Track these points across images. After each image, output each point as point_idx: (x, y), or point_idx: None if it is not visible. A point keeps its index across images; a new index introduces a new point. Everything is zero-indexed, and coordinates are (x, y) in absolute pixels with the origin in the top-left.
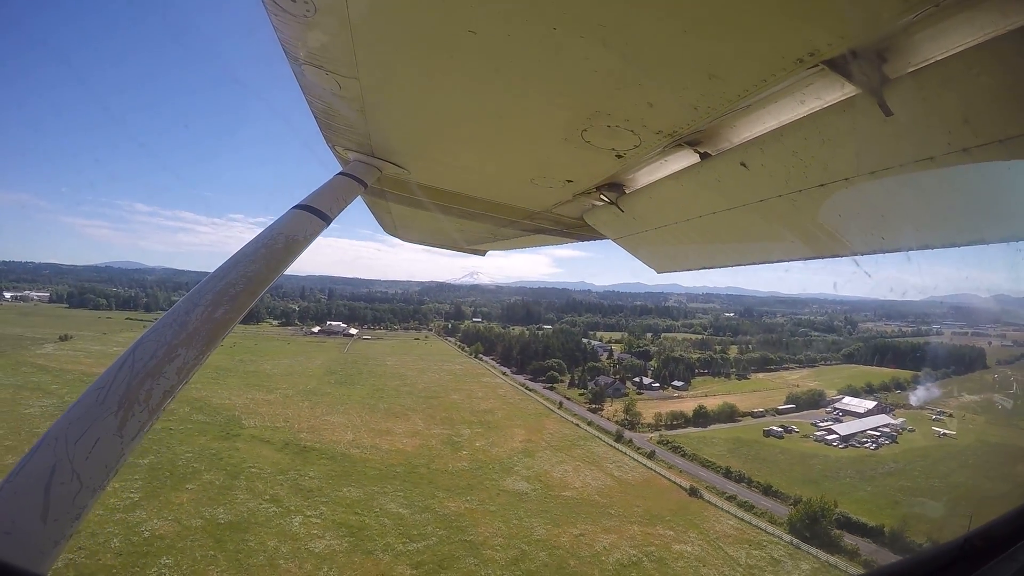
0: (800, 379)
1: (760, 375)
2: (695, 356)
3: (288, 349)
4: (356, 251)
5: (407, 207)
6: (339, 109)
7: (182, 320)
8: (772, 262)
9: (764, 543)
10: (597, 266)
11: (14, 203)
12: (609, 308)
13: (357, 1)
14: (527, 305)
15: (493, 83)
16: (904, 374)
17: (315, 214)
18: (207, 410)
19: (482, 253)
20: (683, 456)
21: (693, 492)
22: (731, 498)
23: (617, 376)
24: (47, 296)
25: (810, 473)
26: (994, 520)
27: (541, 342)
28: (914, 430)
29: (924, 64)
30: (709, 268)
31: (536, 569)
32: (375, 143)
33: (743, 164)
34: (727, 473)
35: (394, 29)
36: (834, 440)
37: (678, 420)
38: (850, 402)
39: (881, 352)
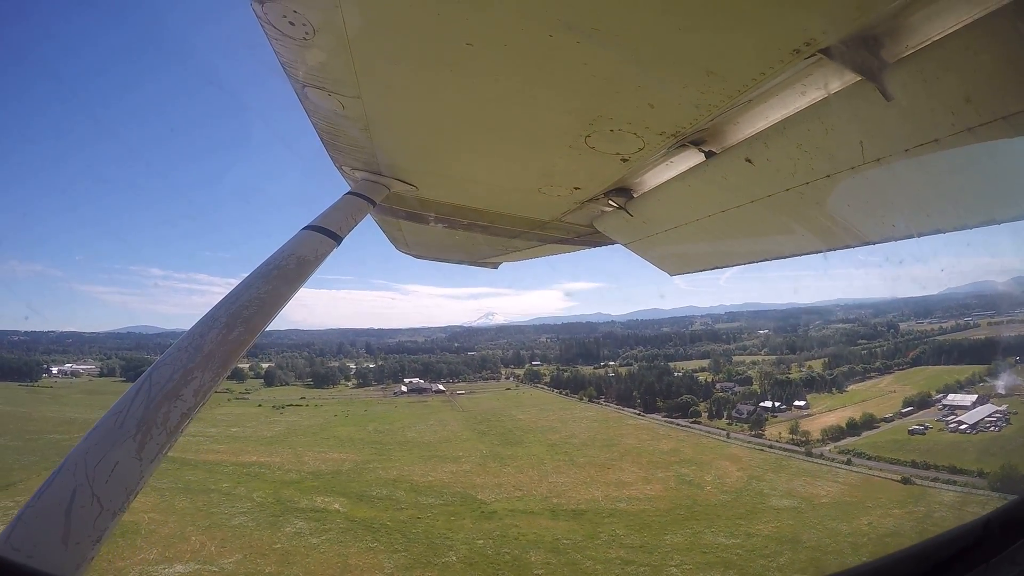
0: (888, 385)
1: (853, 387)
2: (796, 376)
3: (402, 413)
4: (371, 301)
5: (417, 223)
6: (344, 129)
7: (197, 343)
8: (784, 257)
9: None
10: (610, 295)
11: (29, 273)
12: (654, 338)
13: (354, 21)
14: (584, 344)
15: (494, 94)
16: (977, 368)
17: (325, 234)
18: (424, 491)
19: (495, 266)
20: (868, 458)
21: (905, 481)
22: (935, 480)
23: (746, 404)
24: (95, 369)
25: (967, 455)
26: (1016, 500)
27: (643, 379)
28: (1017, 412)
29: (922, 46)
30: (721, 267)
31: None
32: (381, 161)
33: (748, 160)
34: (913, 464)
35: (392, 47)
36: (966, 429)
37: (835, 433)
38: (955, 398)
39: (946, 352)
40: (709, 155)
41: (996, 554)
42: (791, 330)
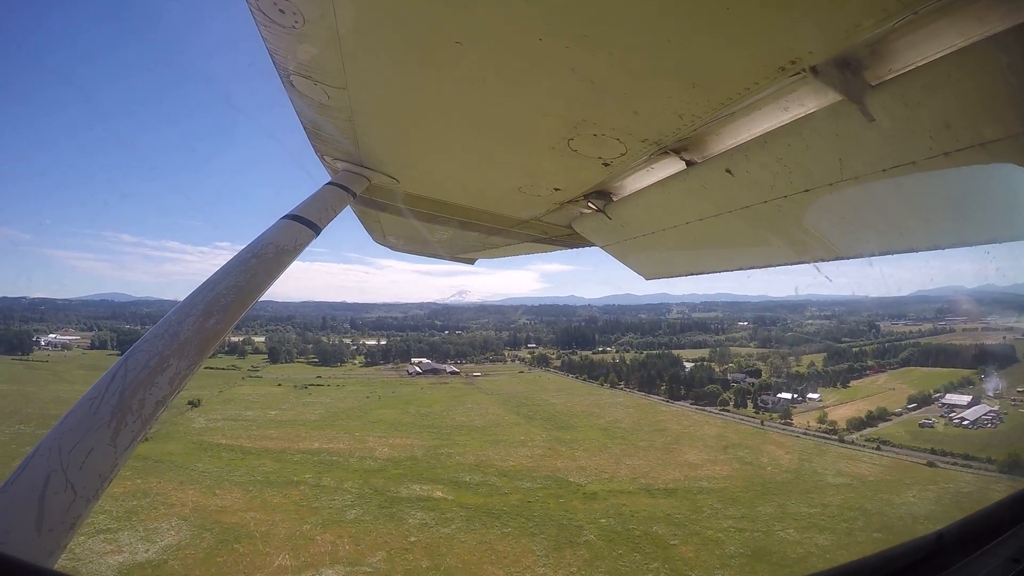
0: (886, 383)
1: (855, 382)
2: (802, 370)
3: (433, 396)
4: (344, 275)
5: (396, 216)
6: (328, 119)
7: (174, 330)
8: (760, 267)
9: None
10: (583, 279)
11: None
12: (641, 324)
13: (345, 13)
14: (581, 329)
15: (480, 93)
16: (965, 372)
17: (304, 224)
18: (513, 475)
19: (471, 262)
20: (892, 446)
21: (930, 464)
22: (953, 464)
23: (767, 394)
24: (82, 341)
25: (974, 445)
26: (970, 515)
27: (656, 367)
28: (1007, 412)
29: (905, 70)
30: (697, 274)
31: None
32: (364, 153)
33: (728, 171)
34: (931, 451)
35: (382, 40)
36: (967, 424)
37: (856, 423)
38: (952, 397)
39: (933, 354)
40: (690, 164)
41: (948, 567)
42: (771, 323)
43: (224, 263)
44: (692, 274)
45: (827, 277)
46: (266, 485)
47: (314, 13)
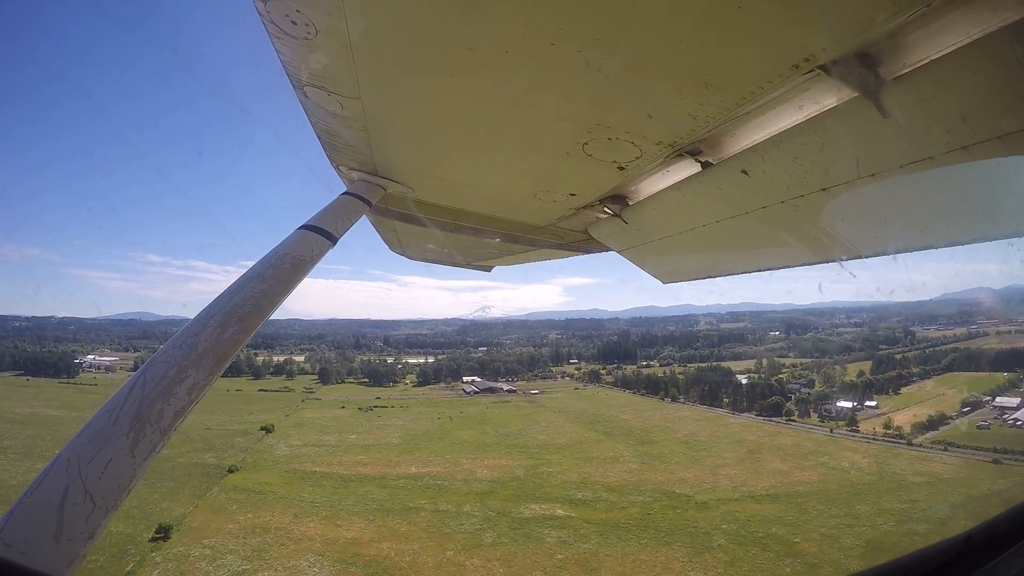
0: (934, 389)
1: (904, 389)
2: (852, 379)
3: (502, 415)
4: (368, 291)
5: (412, 224)
6: (342, 129)
7: (192, 341)
8: (778, 268)
9: None
10: (606, 291)
11: (26, 258)
12: (678, 338)
13: (357, 22)
14: (621, 343)
15: (493, 99)
16: (1008, 375)
17: (321, 234)
18: (622, 490)
19: (488, 269)
20: (956, 447)
21: (996, 462)
22: (1016, 461)
23: (826, 403)
24: (124, 362)
25: None
26: (998, 516)
27: (711, 379)
28: None
29: (919, 64)
30: (715, 276)
31: None
32: (378, 162)
33: (744, 172)
34: (994, 450)
35: (394, 49)
36: (1020, 424)
37: (918, 427)
38: (1002, 400)
39: (974, 359)
40: (705, 165)
41: (978, 567)
42: (801, 331)
43: (242, 273)
44: (710, 276)
45: (851, 273)
46: (383, 513)
47: (326, 23)
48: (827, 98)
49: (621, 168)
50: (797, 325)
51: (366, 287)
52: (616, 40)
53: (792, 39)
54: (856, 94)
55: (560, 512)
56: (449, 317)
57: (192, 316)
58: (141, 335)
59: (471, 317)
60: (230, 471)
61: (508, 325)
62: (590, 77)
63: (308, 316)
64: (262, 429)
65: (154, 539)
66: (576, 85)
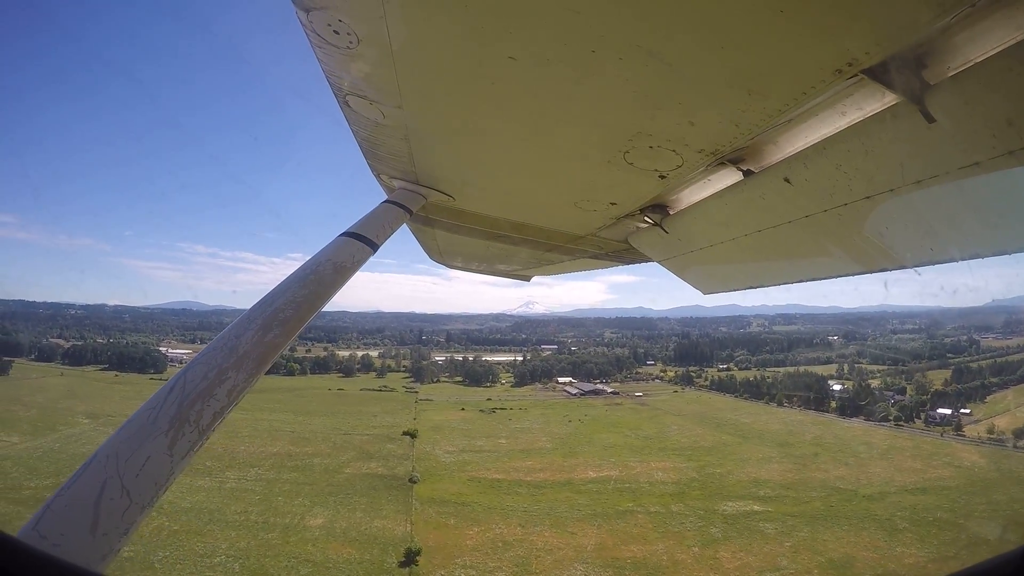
0: (1016, 397)
1: (989, 397)
2: (944, 387)
3: (624, 418)
4: (414, 285)
5: (452, 233)
6: (383, 138)
7: (232, 344)
8: (819, 279)
9: None
10: (650, 290)
11: (78, 247)
12: (749, 341)
13: (399, 32)
14: (696, 345)
15: (534, 108)
16: None
17: (362, 241)
18: (800, 487)
19: (527, 279)
20: None
21: None
22: None
23: (929, 410)
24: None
25: None
26: None
27: (808, 384)
28: None
29: (964, 67)
30: (756, 287)
31: None
32: (419, 171)
33: (787, 180)
34: None
35: (436, 58)
36: None
37: (1019, 432)
38: None
39: None
40: (747, 174)
41: None
42: (860, 338)
43: (283, 278)
44: (751, 287)
45: (917, 272)
46: (601, 517)
47: (368, 33)
48: (870, 103)
49: (662, 177)
50: (853, 330)
51: (411, 280)
52: (656, 47)
53: (835, 44)
54: (900, 99)
55: (756, 508)
56: (495, 312)
57: (239, 305)
58: (197, 325)
59: (516, 312)
60: (411, 481)
61: (561, 322)
62: (631, 85)
63: (355, 308)
64: (404, 433)
65: (404, 563)
66: (617, 93)
